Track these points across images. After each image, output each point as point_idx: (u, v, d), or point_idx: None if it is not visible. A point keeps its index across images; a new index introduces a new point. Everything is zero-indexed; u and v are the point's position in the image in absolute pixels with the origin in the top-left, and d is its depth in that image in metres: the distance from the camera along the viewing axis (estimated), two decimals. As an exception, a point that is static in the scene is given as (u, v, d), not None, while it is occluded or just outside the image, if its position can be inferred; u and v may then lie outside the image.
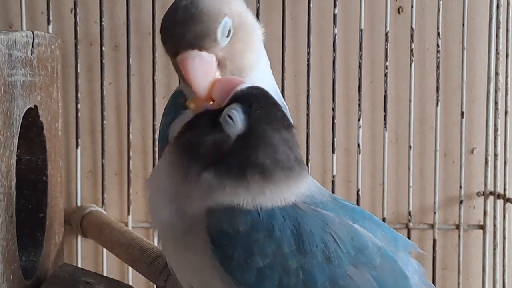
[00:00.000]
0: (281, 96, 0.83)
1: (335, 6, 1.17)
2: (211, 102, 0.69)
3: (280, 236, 0.65)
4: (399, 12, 1.22)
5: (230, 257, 0.65)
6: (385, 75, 1.19)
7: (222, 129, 0.66)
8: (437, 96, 1.20)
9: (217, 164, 0.66)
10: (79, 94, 1.20)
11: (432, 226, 1.22)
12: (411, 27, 1.19)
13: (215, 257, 0.65)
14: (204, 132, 0.67)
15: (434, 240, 1.22)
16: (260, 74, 0.78)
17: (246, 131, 0.66)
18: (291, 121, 0.69)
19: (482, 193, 1.22)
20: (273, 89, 0.80)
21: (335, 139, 1.20)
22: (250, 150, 0.66)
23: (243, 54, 0.75)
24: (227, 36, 0.73)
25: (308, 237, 0.65)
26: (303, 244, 0.65)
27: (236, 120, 0.66)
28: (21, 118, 0.90)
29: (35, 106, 0.97)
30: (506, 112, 1.19)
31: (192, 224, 0.67)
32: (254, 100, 0.67)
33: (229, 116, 0.66)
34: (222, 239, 0.65)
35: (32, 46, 0.94)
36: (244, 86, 0.68)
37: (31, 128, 1.01)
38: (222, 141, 0.66)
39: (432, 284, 0.73)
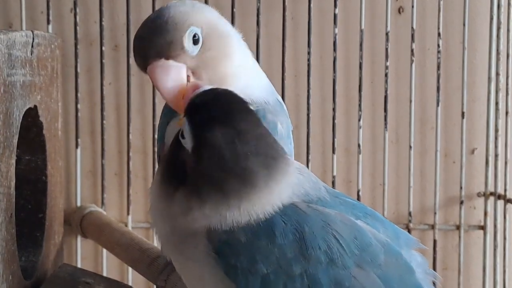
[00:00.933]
0: (275, 91, 0.81)
1: (335, 6, 1.17)
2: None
3: (282, 242, 0.64)
4: (399, 12, 1.22)
5: (233, 266, 0.64)
6: (386, 75, 1.19)
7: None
8: (438, 96, 1.20)
9: (185, 183, 0.64)
10: (79, 94, 1.20)
11: (432, 227, 1.22)
12: (412, 27, 1.18)
13: (218, 266, 0.65)
14: (176, 150, 0.65)
15: (435, 241, 1.22)
16: (246, 79, 0.77)
17: (194, 144, 0.63)
18: (247, 113, 0.65)
19: (482, 193, 1.22)
20: (261, 87, 0.79)
21: (335, 139, 1.19)
22: (199, 165, 0.62)
23: (218, 62, 0.75)
24: (196, 45, 0.73)
25: (311, 240, 0.64)
26: (306, 247, 0.64)
27: (185, 135, 0.63)
28: (21, 118, 0.90)
29: (35, 106, 0.97)
30: (506, 113, 1.19)
31: (188, 236, 0.66)
32: (197, 107, 0.64)
33: (182, 131, 0.64)
34: (224, 249, 0.64)
35: (32, 46, 0.94)
36: (195, 93, 0.65)
37: (31, 128, 1.01)
38: (186, 157, 0.64)
39: (436, 273, 0.73)
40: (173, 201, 0.65)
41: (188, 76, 0.73)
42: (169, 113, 0.80)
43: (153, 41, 0.73)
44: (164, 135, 0.80)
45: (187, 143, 0.64)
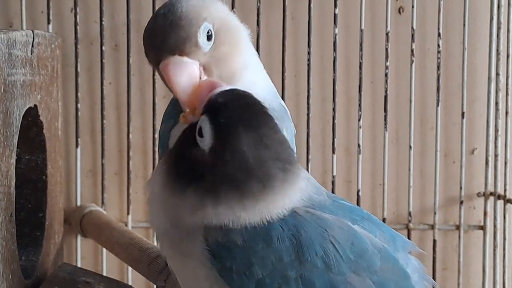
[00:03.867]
0: (278, 95, 0.81)
1: (335, 6, 1.17)
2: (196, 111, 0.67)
3: (279, 246, 0.64)
4: (399, 12, 1.22)
5: (229, 268, 0.64)
6: (386, 75, 1.19)
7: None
8: (438, 97, 1.20)
9: (198, 180, 0.64)
10: (79, 94, 1.20)
11: (432, 227, 1.22)
12: (412, 27, 1.18)
13: (213, 267, 0.65)
14: (185, 148, 0.65)
15: (434, 241, 1.22)
16: (252, 76, 0.77)
17: (214, 143, 0.63)
18: (268, 118, 0.65)
19: (482, 193, 1.22)
20: (266, 89, 0.79)
21: (335, 139, 1.19)
22: (219, 165, 0.62)
23: (229, 58, 0.74)
24: (209, 40, 0.72)
25: (308, 245, 0.64)
26: (303, 253, 0.64)
27: (204, 134, 0.63)
28: (21, 117, 0.90)
29: (35, 106, 0.97)
30: (506, 113, 1.19)
31: (187, 234, 0.66)
32: (219, 107, 0.63)
33: (199, 130, 0.64)
34: (220, 251, 0.64)
35: (32, 46, 0.94)
36: (216, 91, 0.65)
37: (31, 128, 1.01)
38: (200, 156, 0.64)
39: (433, 280, 0.73)
40: (181, 197, 0.65)
41: (199, 72, 0.72)
42: (171, 119, 0.79)
43: (167, 36, 0.71)
44: (167, 141, 0.79)
45: (205, 141, 0.63)
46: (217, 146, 0.63)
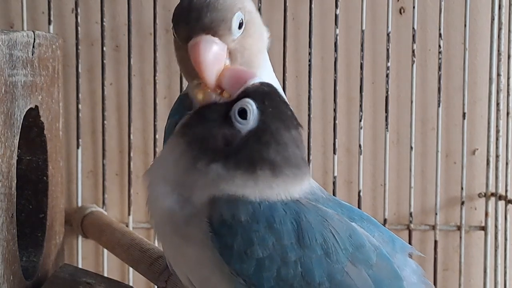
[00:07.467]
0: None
1: (336, 6, 1.17)
2: (219, 92, 0.69)
3: (280, 228, 0.66)
4: (400, 13, 1.22)
5: (229, 246, 0.65)
6: (387, 75, 1.19)
7: (232, 124, 0.67)
8: (439, 97, 1.19)
9: (226, 156, 0.67)
10: (80, 94, 1.20)
11: (433, 227, 1.22)
12: (413, 28, 1.18)
13: (214, 246, 0.66)
14: (214, 126, 0.68)
15: (436, 241, 1.22)
16: (266, 73, 0.80)
17: (258, 127, 0.67)
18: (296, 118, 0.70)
19: (483, 194, 1.22)
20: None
21: (336, 140, 1.19)
22: (262, 146, 0.67)
23: (253, 50, 0.77)
24: (240, 28, 0.75)
25: (308, 231, 0.66)
26: (303, 237, 0.66)
27: (249, 117, 0.67)
28: (22, 118, 0.90)
29: (36, 106, 0.97)
30: (507, 113, 1.19)
31: (194, 213, 0.67)
32: (266, 97, 0.68)
33: (241, 112, 0.67)
34: (222, 228, 0.66)
35: (33, 46, 0.94)
36: (256, 81, 0.68)
37: (32, 128, 1.01)
38: (232, 135, 0.67)
39: (432, 284, 0.73)
40: (203, 170, 0.67)
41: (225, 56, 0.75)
42: (177, 114, 0.80)
43: (203, 15, 0.73)
44: None
45: (247, 123, 0.67)
46: (262, 130, 0.67)
